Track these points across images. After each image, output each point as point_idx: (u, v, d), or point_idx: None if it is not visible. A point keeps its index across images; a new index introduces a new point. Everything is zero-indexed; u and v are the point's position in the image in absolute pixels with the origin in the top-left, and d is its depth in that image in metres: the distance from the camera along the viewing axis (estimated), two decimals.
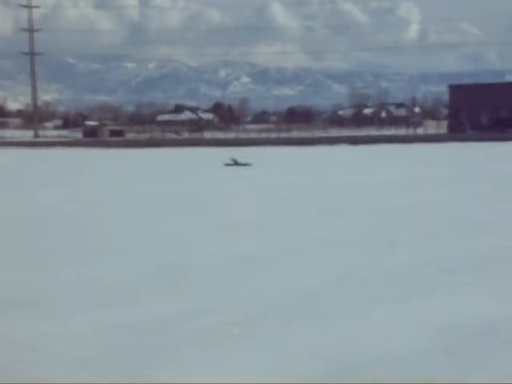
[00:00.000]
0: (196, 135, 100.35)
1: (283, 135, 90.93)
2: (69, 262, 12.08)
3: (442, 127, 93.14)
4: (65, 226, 16.85)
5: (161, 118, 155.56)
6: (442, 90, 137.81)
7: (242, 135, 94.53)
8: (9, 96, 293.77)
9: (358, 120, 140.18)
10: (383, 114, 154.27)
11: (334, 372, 6.65)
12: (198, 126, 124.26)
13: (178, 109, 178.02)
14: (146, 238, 14.59)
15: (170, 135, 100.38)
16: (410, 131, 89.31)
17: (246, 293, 9.62)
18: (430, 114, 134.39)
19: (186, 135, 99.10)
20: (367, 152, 52.61)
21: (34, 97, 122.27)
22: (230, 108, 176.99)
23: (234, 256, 12.25)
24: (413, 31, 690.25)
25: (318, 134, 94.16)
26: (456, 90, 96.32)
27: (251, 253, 12.53)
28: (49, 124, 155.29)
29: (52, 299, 9.51)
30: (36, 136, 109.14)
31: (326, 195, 22.34)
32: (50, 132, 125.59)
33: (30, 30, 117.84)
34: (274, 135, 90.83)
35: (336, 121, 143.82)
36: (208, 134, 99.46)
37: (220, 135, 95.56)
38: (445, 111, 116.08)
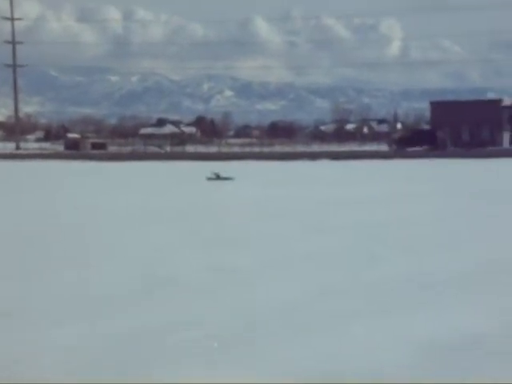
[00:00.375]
0: (178, 149, 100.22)
1: (266, 150, 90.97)
2: (52, 273, 12.02)
3: None
4: (47, 237, 16.76)
5: (143, 131, 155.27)
6: (423, 107, 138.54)
7: (225, 149, 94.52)
8: None
9: (340, 135, 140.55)
10: (365, 130, 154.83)
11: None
12: (180, 139, 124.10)
13: (161, 122, 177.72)
14: (129, 249, 14.55)
15: (153, 148, 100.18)
16: (392, 147, 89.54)
17: (226, 306, 9.60)
18: (411, 130, 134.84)
19: (169, 149, 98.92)
20: (349, 167, 52.77)
21: (16, 109, 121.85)
22: (212, 122, 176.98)
23: (217, 269, 12.24)
24: (395, 48, 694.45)
25: (300, 148, 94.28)
26: (437, 106, 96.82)
27: (233, 266, 12.51)
28: (30, 136, 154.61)
29: (39, 310, 9.45)
30: (17, 148, 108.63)
31: (307, 210, 22.37)
32: (31, 144, 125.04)
33: (13, 43, 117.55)
34: (256, 149, 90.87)
35: (318, 136, 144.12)
36: (190, 148, 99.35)
37: (202, 149, 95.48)
38: (426, 128, 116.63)
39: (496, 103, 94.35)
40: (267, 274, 11.82)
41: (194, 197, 28.33)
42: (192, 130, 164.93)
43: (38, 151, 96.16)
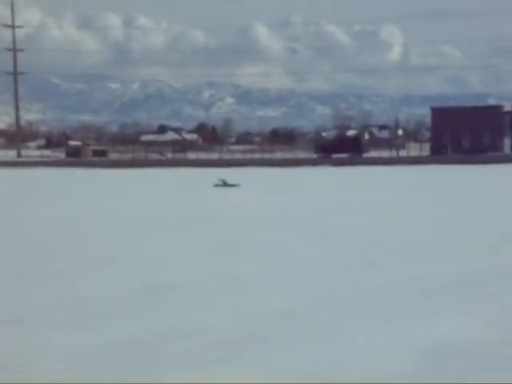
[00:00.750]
0: (180, 156, 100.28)
1: (267, 156, 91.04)
2: (54, 280, 12.06)
3: (425, 149, 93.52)
4: (49, 244, 16.81)
5: (144, 138, 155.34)
6: (424, 113, 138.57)
7: (226, 156, 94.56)
8: None
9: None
10: (366, 136, 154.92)
11: None
12: (181, 146, 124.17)
13: (162, 129, 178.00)
14: (136, 256, 14.59)
15: (154, 156, 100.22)
16: (393, 153, 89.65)
17: (229, 312, 9.64)
18: (412, 136, 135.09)
19: (170, 156, 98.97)
20: (351, 174, 52.81)
21: (17, 116, 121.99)
22: (213, 129, 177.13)
23: (221, 275, 12.27)
24: (395, 54, 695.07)
25: (302, 155, 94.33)
26: (438, 112, 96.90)
27: (238, 272, 12.55)
28: (32, 144, 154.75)
29: (40, 317, 9.49)
30: (19, 156, 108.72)
31: (311, 217, 22.41)
32: (32, 152, 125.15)
33: (14, 50, 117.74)
34: (257, 156, 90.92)
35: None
36: (192, 155, 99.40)
37: (204, 156, 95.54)
38: (427, 134, 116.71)
39: (497, 109, 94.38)
40: (271, 281, 11.85)
41: (206, 203, 28.41)
42: (193, 136, 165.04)
43: (40, 159, 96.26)
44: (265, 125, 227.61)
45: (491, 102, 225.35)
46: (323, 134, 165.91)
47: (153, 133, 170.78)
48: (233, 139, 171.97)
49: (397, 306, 9.89)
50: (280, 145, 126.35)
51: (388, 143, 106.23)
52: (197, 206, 27.25)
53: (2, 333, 8.85)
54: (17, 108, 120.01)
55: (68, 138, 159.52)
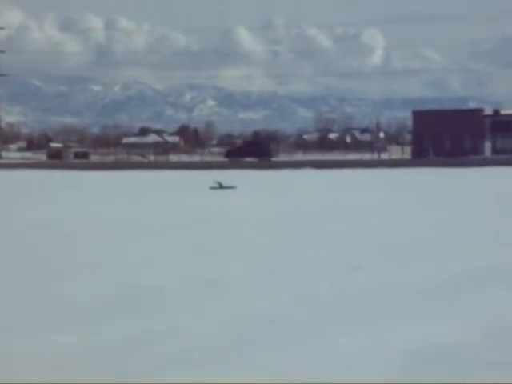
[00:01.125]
0: (162, 158, 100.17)
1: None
2: (32, 281, 12.00)
3: (406, 152, 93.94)
4: (30, 247, 16.72)
5: (126, 140, 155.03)
6: (405, 116, 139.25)
7: (208, 158, 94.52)
8: None
9: (323, 144, 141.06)
10: (348, 139, 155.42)
11: None
12: (163, 148, 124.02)
13: (144, 131, 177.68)
14: (120, 259, 14.54)
15: (136, 158, 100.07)
16: (375, 156, 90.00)
17: (210, 316, 9.61)
18: (394, 139, 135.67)
19: (152, 158, 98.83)
20: (333, 176, 52.95)
21: None
22: (195, 131, 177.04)
23: (202, 278, 12.25)
24: (377, 57, 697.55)
25: (283, 157, 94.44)
26: (419, 115, 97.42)
27: (219, 276, 12.53)
28: (13, 146, 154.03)
29: (19, 320, 9.42)
30: (0, 158, 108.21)
31: (293, 220, 22.43)
32: (13, 154, 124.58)
33: None
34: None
35: (301, 145, 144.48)
36: (174, 157, 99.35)
37: (186, 158, 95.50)
38: (409, 137, 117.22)
39: (478, 112, 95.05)
40: (253, 284, 11.84)
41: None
42: (175, 139, 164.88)
43: (21, 161, 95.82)
44: (247, 127, 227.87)
45: (472, 105, 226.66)
46: (305, 137, 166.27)
47: (135, 135, 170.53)
48: (215, 141, 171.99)
49: (378, 310, 9.91)
50: None
51: (370, 146, 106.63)
52: (184, 209, 27.22)
53: None
54: None
55: (49, 140, 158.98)
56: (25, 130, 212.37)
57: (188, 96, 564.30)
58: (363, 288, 11.30)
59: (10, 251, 16.37)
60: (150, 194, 36.34)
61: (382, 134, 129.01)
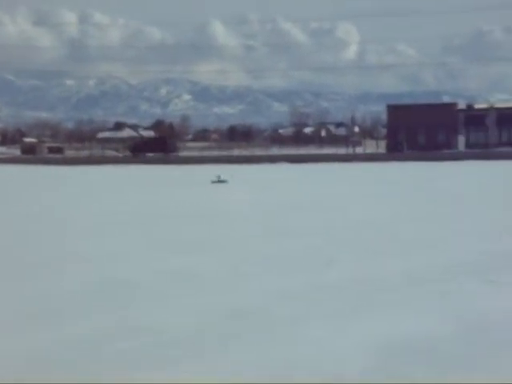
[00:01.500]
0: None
1: (224, 153, 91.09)
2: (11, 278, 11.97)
3: (381, 147, 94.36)
4: (6, 242, 16.65)
5: (101, 135, 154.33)
6: (380, 110, 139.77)
7: (183, 153, 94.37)
8: None
9: (299, 139, 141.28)
10: (323, 133, 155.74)
11: None
12: None
13: (119, 126, 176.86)
14: (92, 253, 14.52)
15: (111, 152, 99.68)
16: (350, 150, 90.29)
17: (180, 310, 9.63)
18: (368, 133, 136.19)
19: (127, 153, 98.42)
20: (309, 170, 53.07)
21: None
22: (170, 125, 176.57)
23: (174, 271, 12.27)
24: (351, 51, 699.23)
25: (259, 152, 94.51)
26: (394, 110, 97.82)
27: (193, 269, 12.55)
28: None
29: None
30: None
31: (270, 213, 22.49)
32: None
33: None
34: (215, 153, 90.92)
35: (277, 139, 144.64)
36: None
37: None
38: (383, 131, 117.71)
39: (451, 107, 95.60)
40: (226, 278, 11.87)
41: (161, 200, 28.40)
42: (150, 133, 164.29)
43: None
44: (222, 122, 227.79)
45: (446, 99, 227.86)
46: (280, 131, 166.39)
47: (109, 130, 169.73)
48: (190, 136, 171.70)
49: (350, 303, 9.98)
50: (237, 142, 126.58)
51: (345, 140, 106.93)
52: (159, 203, 27.20)
53: None
54: None
55: (23, 134, 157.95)
56: None
57: (163, 90, 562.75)
58: (335, 281, 11.38)
59: None
60: (133, 188, 36.27)
61: (356, 129, 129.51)
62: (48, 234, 18.43)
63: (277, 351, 7.80)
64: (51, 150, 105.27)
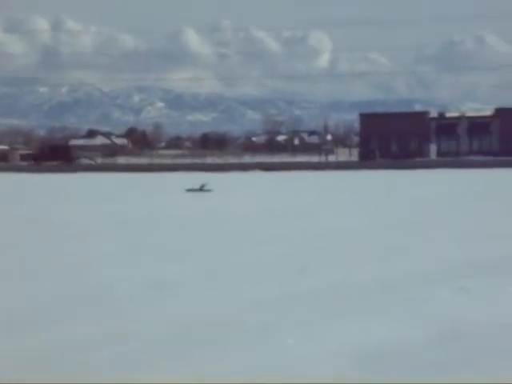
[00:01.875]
0: (109, 160, 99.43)
1: (197, 161, 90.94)
2: None
3: (354, 155, 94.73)
4: None
5: (74, 142, 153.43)
6: (353, 118, 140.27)
7: (156, 161, 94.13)
8: None
9: (272, 147, 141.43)
10: (296, 141, 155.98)
11: None
12: (111, 151, 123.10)
13: (91, 134, 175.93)
14: (63, 263, 14.45)
15: (83, 160, 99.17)
16: (322, 158, 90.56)
17: (152, 319, 9.60)
18: (341, 141, 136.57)
19: (100, 160, 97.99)
20: (282, 178, 53.15)
21: None
22: (143, 133, 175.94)
23: (145, 281, 12.25)
24: (324, 60, 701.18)
25: (232, 160, 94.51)
26: (366, 118, 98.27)
27: (167, 277, 12.54)
28: None
29: None
30: None
31: (242, 221, 22.51)
32: None
33: None
34: (187, 161, 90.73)
35: (250, 147, 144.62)
36: (121, 159, 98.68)
37: (134, 160, 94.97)
38: (356, 139, 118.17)
39: (423, 115, 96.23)
40: (199, 286, 11.87)
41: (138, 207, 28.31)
42: (123, 141, 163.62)
43: None
44: (195, 129, 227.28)
45: (418, 108, 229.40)
46: (253, 139, 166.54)
47: (82, 137, 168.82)
48: (163, 144, 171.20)
49: (321, 310, 10.02)
50: (210, 149, 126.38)
51: (318, 148, 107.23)
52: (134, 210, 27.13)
53: None
54: None
55: None
56: None
57: (136, 98, 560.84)
58: (308, 289, 11.42)
59: None
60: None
61: (329, 137, 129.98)
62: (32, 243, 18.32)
63: (251, 357, 7.82)
64: (23, 157, 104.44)
